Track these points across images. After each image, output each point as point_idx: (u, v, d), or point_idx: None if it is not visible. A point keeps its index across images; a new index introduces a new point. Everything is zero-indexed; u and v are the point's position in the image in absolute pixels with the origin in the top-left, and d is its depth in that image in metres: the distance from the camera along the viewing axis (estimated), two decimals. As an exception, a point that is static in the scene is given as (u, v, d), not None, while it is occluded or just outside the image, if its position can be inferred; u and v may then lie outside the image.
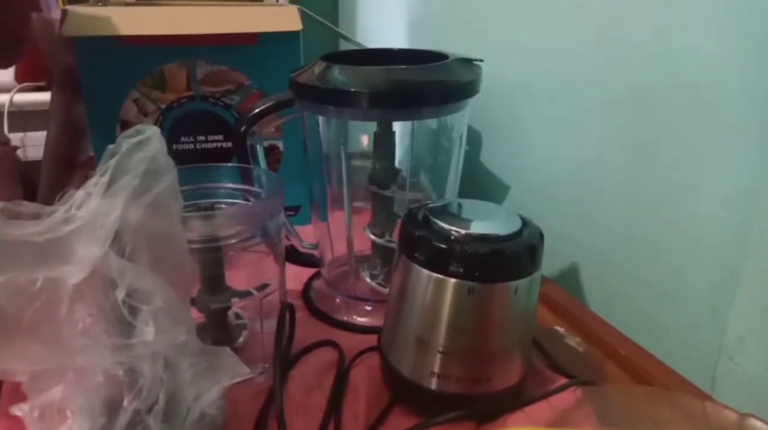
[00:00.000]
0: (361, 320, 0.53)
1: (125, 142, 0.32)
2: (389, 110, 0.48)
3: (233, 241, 0.42)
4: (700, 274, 0.46)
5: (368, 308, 0.54)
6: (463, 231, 0.38)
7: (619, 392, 0.40)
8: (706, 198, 0.45)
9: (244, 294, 0.45)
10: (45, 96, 0.74)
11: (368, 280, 0.54)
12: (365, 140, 0.53)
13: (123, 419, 0.30)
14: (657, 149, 0.49)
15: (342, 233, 0.53)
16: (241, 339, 0.47)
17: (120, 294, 0.29)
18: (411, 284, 0.40)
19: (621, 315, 0.53)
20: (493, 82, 0.53)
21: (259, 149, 0.53)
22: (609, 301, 0.55)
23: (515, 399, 0.41)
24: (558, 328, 0.53)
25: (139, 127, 0.33)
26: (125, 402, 0.30)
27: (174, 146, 0.65)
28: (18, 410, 0.32)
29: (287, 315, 0.46)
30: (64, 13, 0.59)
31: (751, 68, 0.40)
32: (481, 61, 0.49)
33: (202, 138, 0.66)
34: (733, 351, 0.42)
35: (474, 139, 0.73)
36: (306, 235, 0.59)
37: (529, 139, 0.65)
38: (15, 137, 1.26)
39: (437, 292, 0.39)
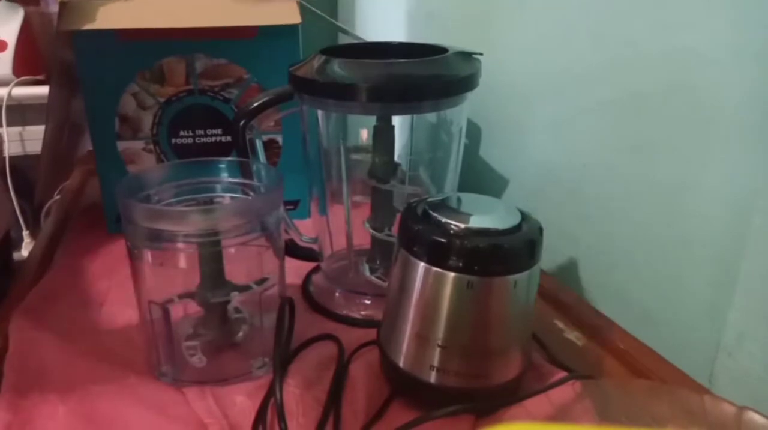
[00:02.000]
0: (360, 314, 0.53)
1: None
2: (388, 104, 0.48)
3: (232, 235, 0.42)
4: (699, 271, 0.46)
5: (368, 302, 0.54)
6: (462, 225, 0.38)
7: (618, 386, 0.40)
8: (705, 197, 0.45)
9: (244, 288, 0.45)
10: (43, 90, 0.73)
11: (367, 274, 0.54)
12: (364, 134, 0.53)
13: None
14: (656, 148, 0.49)
15: (341, 227, 0.53)
16: (241, 333, 0.47)
17: None
18: (410, 278, 0.40)
19: (620, 312, 0.53)
20: (493, 77, 0.52)
21: (258, 143, 0.53)
22: (608, 297, 0.55)
23: (514, 393, 0.42)
24: (557, 322, 0.53)
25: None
26: None
27: (173, 140, 0.65)
28: None
29: (287, 309, 0.46)
30: (62, 6, 0.59)
31: (750, 68, 0.40)
32: (481, 54, 0.49)
33: (201, 132, 0.66)
34: (731, 348, 0.43)
35: (473, 133, 0.73)
36: (305, 229, 0.59)
37: (528, 133, 0.65)
38: (13, 131, 1.26)
39: (436, 286, 0.39)
